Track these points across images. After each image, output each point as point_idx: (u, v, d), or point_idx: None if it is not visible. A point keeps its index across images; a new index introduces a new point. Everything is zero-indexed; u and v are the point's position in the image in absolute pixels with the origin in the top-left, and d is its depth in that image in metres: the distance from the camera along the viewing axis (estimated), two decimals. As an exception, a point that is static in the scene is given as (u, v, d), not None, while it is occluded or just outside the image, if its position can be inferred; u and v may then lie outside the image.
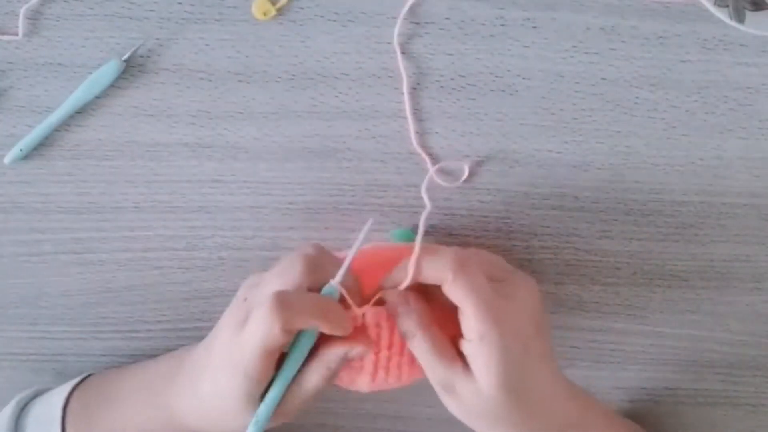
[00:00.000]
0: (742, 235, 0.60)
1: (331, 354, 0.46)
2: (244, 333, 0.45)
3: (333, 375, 0.47)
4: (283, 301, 0.44)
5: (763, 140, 0.58)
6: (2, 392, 0.62)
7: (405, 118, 0.58)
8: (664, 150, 0.58)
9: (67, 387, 0.57)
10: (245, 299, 0.48)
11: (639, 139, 0.58)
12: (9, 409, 0.56)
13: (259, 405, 0.46)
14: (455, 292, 0.46)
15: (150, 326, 0.63)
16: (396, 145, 0.58)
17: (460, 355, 0.47)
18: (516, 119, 0.57)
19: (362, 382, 0.50)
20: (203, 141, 0.58)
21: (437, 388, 0.48)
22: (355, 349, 0.46)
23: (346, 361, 0.47)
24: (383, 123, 0.58)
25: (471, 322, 0.46)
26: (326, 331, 0.45)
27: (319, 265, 0.47)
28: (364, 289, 0.49)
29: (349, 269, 0.48)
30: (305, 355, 0.46)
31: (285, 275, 0.46)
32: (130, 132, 0.58)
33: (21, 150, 0.58)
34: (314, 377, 0.46)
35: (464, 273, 0.46)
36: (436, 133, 0.58)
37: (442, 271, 0.46)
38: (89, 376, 0.59)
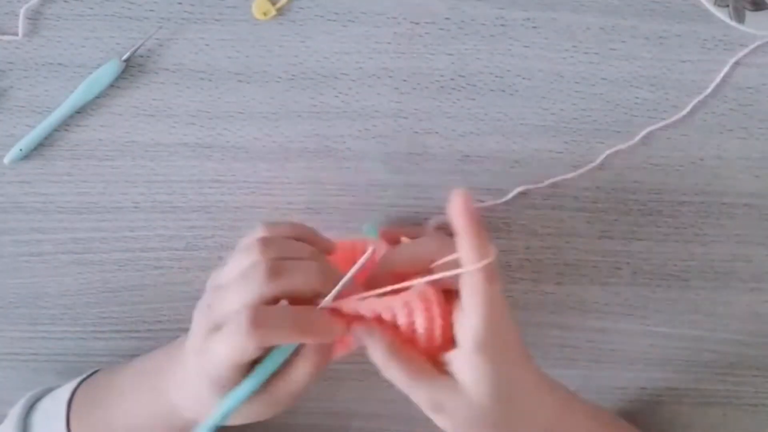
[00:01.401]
0: (742, 235, 0.60)
1: (319, 354, 0.45)
2: (215, 344, 0.43)
3: (321, 370, 0.46)
4: (257, 319, 0.42)
5: (763, 140, 0.58)
6: (2, 392, 0.62)
7: (405, 118, 0.58)
8: (663, 150, 0.58)
9: (74, 382, 0.57)
10: (209, 306, 0.46)
11: (639, 139, 0.58)
12: (19, 406, 0.57)
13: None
14: (475, 296, 0.43)
15: (150, 326, 0.63)
16: (396, 145, 0.58)
17: (437, 368, 0.45)
18: (516, 119, 0.57)
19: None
20: (203, 141, 0.58)
21: (425, 410, 0.46)
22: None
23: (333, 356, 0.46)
24: (383, 123, 0.58)
25: (473, 332, 0.43)
26: (310, 342, 0.45)
27: (282, 267, 0.44)
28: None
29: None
30: (278, 364, 0.45)
31: (248, 282, 0.44)
32: (130, 132, 0.58)
33: (21, 150, 0.58)
34: (301, 372, 0.45)
35: (494, 281, 0.43)
36: (436, 133, 0.58)
37: (477, 275, 0.43)
38: (96, 371, 0.59)
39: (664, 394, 0.64)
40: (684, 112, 0.57)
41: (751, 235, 0.60)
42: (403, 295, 0.46)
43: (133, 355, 0.63)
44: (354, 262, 0.47)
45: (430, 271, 0.46)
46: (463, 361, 0.44)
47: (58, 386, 0.59)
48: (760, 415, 0.64)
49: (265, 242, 0.45)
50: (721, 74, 0.56)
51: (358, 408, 0.65)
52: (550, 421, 0.50)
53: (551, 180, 0.58)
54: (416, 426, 0.65)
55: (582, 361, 0.63)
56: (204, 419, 0.47)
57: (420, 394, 0.45)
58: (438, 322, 0.45)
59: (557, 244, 0.60)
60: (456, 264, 0.44)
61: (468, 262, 0.43)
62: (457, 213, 0.43)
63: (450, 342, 0.45)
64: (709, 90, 0.57)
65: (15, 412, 0.56)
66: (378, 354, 0.45)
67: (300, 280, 0.44)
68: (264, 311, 0.43)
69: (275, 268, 0.44)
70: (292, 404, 0.47)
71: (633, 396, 0.64)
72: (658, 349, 0.63)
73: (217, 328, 0.44)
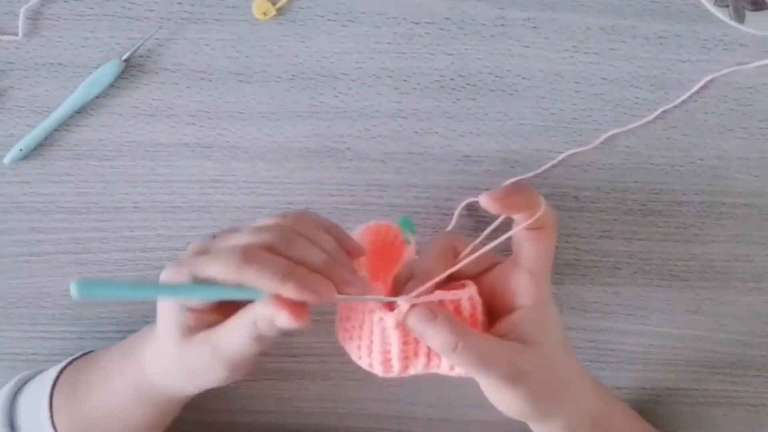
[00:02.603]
0: (742, 235, 0.60)
1: (262, 319, 0.42)
2: (198, 265, 0.42)
3: (260, 338, 0.43)
4: (251, 253, 0.41)
5: (763, 140, 0.58)
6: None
7: (405, 118, 0.58)
8: (664, 150, 0.58)
9: (60, 365, 0.57)
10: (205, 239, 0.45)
11: (639, 139, 0.58)
12: (7, 388, 0.57)
13: (196, 335, 0.45)
14: (534, 248, 0.46)
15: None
16: (396, 145, 0.58)
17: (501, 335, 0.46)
18: (516, 119, 0.57)
19: (417, 366, 0.47)
20: (203, 141, 0.58)
21: (499, 386, 0.45)
22: (288, 318, 0.41)
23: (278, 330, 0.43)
24: (383, 123, 0.58)
25: (537, 285, 0.46)
26: (292, 296, 0.41)
27: (296, 238, 0.43)
28: (369, 268, 0.48)
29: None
30: (236, 298, 0.42)
31: (258, 232, 0.43)
32: (130, 132, 0.58)
33: (21, 150, 0.58)
34: (237, 338, 0.43)
35: (553, 233, 0.47)
36: (436, 133, 0.58)
37: (548, 226, 0.46)
38: (84, 354, 0.59)
39: (664, 394, 0.64)
40: (681, 113, 0.57)
41: (751, 235, 0.60)
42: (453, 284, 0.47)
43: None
44: (383, 247, 0.48)
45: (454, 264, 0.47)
46: (533, 315, 0.46)
47: (39, 370, 0.59)
48: (760, 415, 0.64)
49: (291, 217, 0.45)
50: (721, 74, 0.56)
51: (357, 408, 0.65)
52: (597, 407, 0.52)
53: (551, 180, 0.58)
54: (416, 426, 0.65)
55: (582, 361, 0.63)
56: (172, 385, 0.48)
57: (499, 364, 0.44)
58: (481, 304, 0.47)
59: (557, 244, 0.60)
60: (479, 248, 0.46)
61: (522, 218, 0.45)
62: (494, 206, 0.44)
63: (480, 324, 0.47)
64: (709, 90, 0.57)
65: (3, 394, 0.57)
66: (446, 334, 0.43)
67: (311, 251, 0.43)
68: (261, 251, 0.41)
69: (289, 234, 0.43)
70: (227, 372, 0.46)
71: (633, 396, 0.64)
72: (658, 349, 0.63)
73: (206, 252, 0.43)
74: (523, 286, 0.46)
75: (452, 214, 0.59)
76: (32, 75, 0.57)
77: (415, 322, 0.44)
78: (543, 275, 0.46)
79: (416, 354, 0.46)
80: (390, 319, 0.44)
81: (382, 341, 0.45)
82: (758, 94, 0.57)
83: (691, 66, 0.56)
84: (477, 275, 0.48)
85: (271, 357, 0.63)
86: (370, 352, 0.46)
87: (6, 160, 0.58)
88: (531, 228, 0.46)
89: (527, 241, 0.46)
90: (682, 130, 0.58)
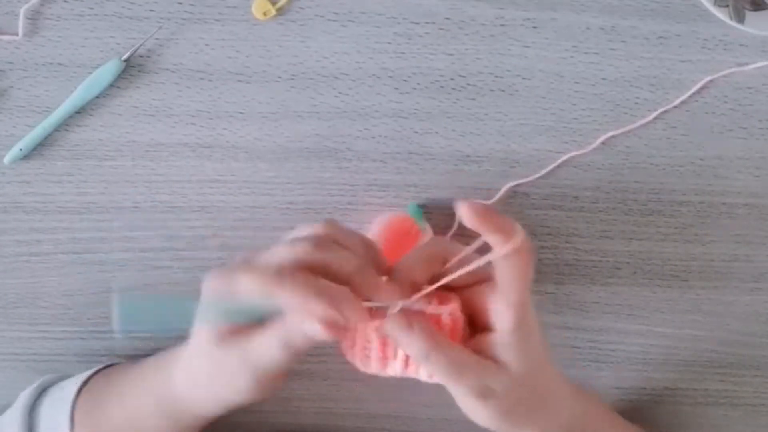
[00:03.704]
0: (742, 235, 0.60)
1: (294, 329, 0.43)
2: (234, 278, 0.44)
3: (290, 347, 0.44)
4: (288, 270, 0.42)
5: (763, 140, 0.58)
6: (2, 392, 0.62)
7: (405, 118, 0.58)
8: (664, 150, 0.58)
9: (85, 374, 0.57)
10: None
11: (639, 139, 0.58)
12: (29, 390, 0.57)
13: (228, 341, 0.45)
14: (510, 275, 0.44)
15: (150, 326, 0.63)
16: (396, 145, 0.58)
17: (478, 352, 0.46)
18: (516, 119, 0.57)
19: (394, 369, 0.48)
20: (203, 141, 0.58)
21: (471, 399, 0.46)
22: (320, 329, 0.42)
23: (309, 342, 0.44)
24: (383, 123, 0.58)
25: (513, 311, 0.44)
26: (324, 312, 0.42)
27: (329, 244, 0.45)
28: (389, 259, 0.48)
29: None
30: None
31: (291, 247, 0.44)
32: (130, 132, 0.58)
33: (21, 150, 0.58)
34: (268, 348, 0.44)
35: (530, 262, 0.45)
36: (436, 133, 0.58)
37: (517, 257, 0.44)
38: (109, 366, 0.59)
39: (664, 394, 0.64)
40: (681, 113, 0.57)
41: (751, 235, 0.60)
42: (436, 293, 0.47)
43: (132, 356, 0.63)
44: (400, 238, 0.48)
45: (445, 272, 0.46)
46: (507, 340, 0.45)
47: (70, 375, 0.59)
48: (760, 415, 0.64)
49: (322, 227, 0.46)
50: (721, 74, 0.56)
51: (357, 408, 0.65)
52: (573, 410, 0.52)
53: (551, 180, 0.58)
54: (416, 426, 0.65)
55: (582, 361, 0.63)
56: (197, 399, 0.48)
57: (468, 379, 0.45)
58: (462, 319, 0.46)
59: (557, 244, 0.60)
60: (471, 260, 0.45)
61: (499, 247, 0.44)
62: (470, 218, 0.43)
63: (460, 338, 0.46)
64: (709, 90, 0.57)
65: (22, 400, 0.56)
66: (420, 343, 0.44)
67: (341, 259, 0.44)
68: (299, 269, 0.43)
69: (322, 242, 0.44)
70: (264, 387, 0.46)
71: (633, 396, 0.64)
72: (658, 349, 0.63)
73: (249, 263, 0.44)
74: (501, 310, 0.45)
75: (452, 215, 0.59)
76: (32, 75, 0.57)
77: (392, 329, 0.45)
78: (520, 302, 0.45)
79: (395, 356, 0.47)
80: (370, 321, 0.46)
81: (364, 338, 0.47)
82: (758, 95, 0.57)
83: (691, 66, 0.56)
84: (463, 287, 0.48)
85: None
86: (353, 345, 0.47)
87: (6, 160, 0.58)
88: (508, 255, 0.44)
89: (504, 268, 0.44)
90: (682, 130, 0.58)
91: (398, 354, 0.47)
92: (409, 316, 0.45)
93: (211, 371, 0.47)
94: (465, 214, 0.43)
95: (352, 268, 0.44)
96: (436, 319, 0.46)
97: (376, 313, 0.45)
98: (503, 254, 0.43)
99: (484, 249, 0.44)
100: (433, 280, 0.46)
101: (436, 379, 0.46)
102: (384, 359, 0.47)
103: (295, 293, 0.42)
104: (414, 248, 0.49)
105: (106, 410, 0.54)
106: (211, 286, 0.45)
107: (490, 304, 0.46)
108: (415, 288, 0.46)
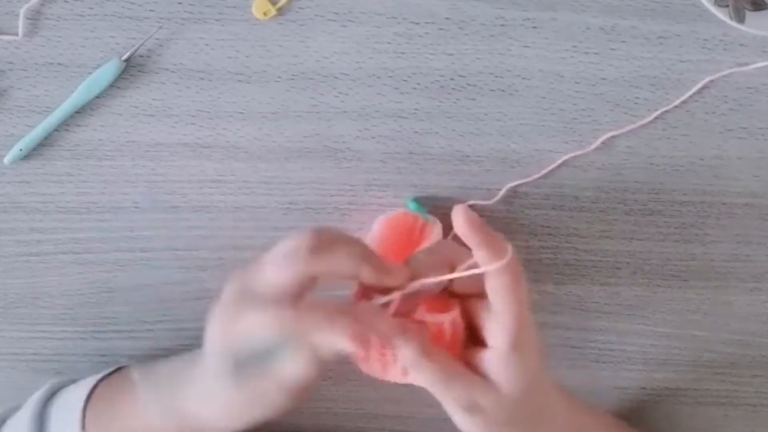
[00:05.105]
0: (742, 235, 0.60)
1: (321, 346, 0.43)
2: (245, 312, 0.44)
3: (322, 366, 0.44)
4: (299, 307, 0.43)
5: (763, 140, 0.58)
6: (2, 392, 0.62)
7: (405, 118, 0.58)
8: (664, 150, 0.58)
9: (97, 376, 0.57)
10: (242, 277, 0.46)
11: (639, 140, 0.58)
12: (40, 392, 0.56)
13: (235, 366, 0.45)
14: (506, 296, 0.44)
15: (150, 326, 0.63)
16: (396, 145, 0.58)
17: (470, 367, 0.46)
18: (516, 119, 0.57)
19: (394, 374, 0.47)
20: (203, 141, 0.58)
21: (457, 411, 0.46)
22: (350, 344, 0.42)
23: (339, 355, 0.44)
24: (383, 123, 0.58)
25: (508, 331, 0.44)
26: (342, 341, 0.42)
27: (325, 246, 0.44)
28: (399, 257, 0.48)
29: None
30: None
31: (288, 257, 0.43)
32: (130, 132, 0.58)
33: (21, 150, 0.58)
34: (296, 367, 0.44)
35: (520, 279, 0.44)
36: (436, 133, 0.58)
37: (503, 275, 0.44)
38: (120, 369, 0.59)
39: (664, 394, 0.64)
40: (681, 113, 0.57)
41: (751, 235, 0.60)
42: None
43: (132, 356, 0.63)
44: (408, 235, 0.48)
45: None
46: (498, 360, 0.45)
47: (79, 378, 0.58)
48: (760, 415, 0.64)
49: (314, 234, 0.45)
50: (721, 74, 0.56)
51: (357, 408, 0.65)
52: (570, 425, 0.51)
53: (551, 180, 0.58)
54: (416, 426, 0.65)
55: (582, 361, 0.63)
56: (219, 419, 0.47)
57: (455, 392, 0.45)
58: (462, 327, 0.46)
59: (557, 244, 0.60)
60: (476, 267, 0.44)
61: (486, 265, 0.43)
62: (462, 226, 0.44)
63: (460, 347, 0.46)
64: (709, 90, 0.57)
65: (33, 402, 0.56)
66: (411, 352, 0.44)
67: (342, 260, 0.44)
68: (309, 300, 0.43)
69: (318, 245, 0.44)
70: (288, 401, 0.46)
71: (633, 396, 0.64)
72: (658, 349, 0.63)
73: (251, 295, 0.43)
74: (495, 329, 0.45)
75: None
76: (32, 75, 0.57)
77: (385, 333, 0.44)
78: (516, 324, 0.44)
79: (395, 361, 0.46)
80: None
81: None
82: (758, 95, 0.57)
83: (691, 66, 0.56)
84: (467, 296, 0.47)
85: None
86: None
87: (6, 160, 0.58)
88: (498, 273, 0.44)
89: (494, 289, 0.44)
90: (682, 130, 0.58)
91: (398, 360, 0.46)
92: (407, 323, 0.45)
93: (236, 394, 0.46)
94: (458, 219, 0.44)
95: (357, 261, 0.44)
96: (438, 328, 0.46)
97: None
98: (491, 271, 0.43)
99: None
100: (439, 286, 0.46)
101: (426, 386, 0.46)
102: (384, 364, 0.47)
103: (319, 324, 0.42)
104: (424, 247, 0.49)
105: (117, 421, 0.53)
106: (216, 331, 0.44)
107: (485, 320, 0.46)
108: (421, 295, 0.46)
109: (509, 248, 0.44)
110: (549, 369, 0.49)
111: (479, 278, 0.45)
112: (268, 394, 0.45)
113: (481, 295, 0.46)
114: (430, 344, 0.45)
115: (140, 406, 0.53)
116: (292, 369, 0.44)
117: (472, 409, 0.45)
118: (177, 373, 0.51)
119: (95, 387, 0.56)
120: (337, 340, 0.42)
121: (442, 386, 0.44)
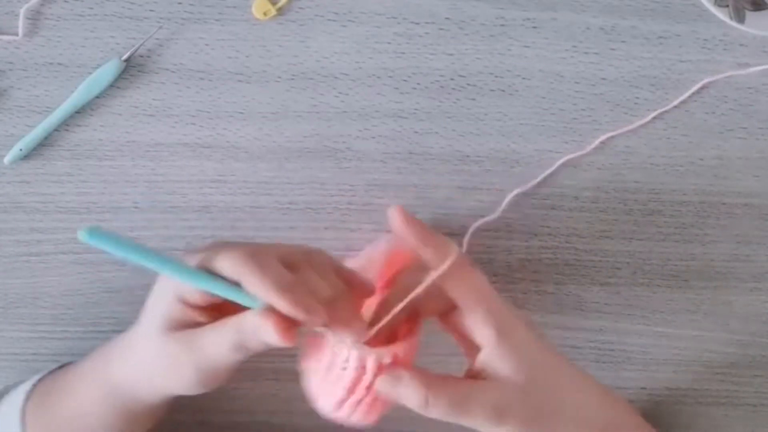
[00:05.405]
0: (742, 235, 0.60)
1: (249, 332, 0.42)
2: (193, 260, 0.43)
3: (240, 348, 0.43)
4: (253, 254, 0.41)
5: (763, 140, 0.58)
6: (2, 392, 0.62)
7: (405, 118, 0.58)
8: (664, 150, 0.58)
9: (37, 375, 0.57)
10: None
11: (639, 140, 0.58)
12: None
13: (177, 331, 0.44)
14: (466, 292, 0.44)
15: (150, 326, 0.63)
16: (396, 145, 0.58)
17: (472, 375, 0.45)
18: (516, 119, 0.57)
19: (324, 404, 0.47)
20: (203, 141, 0.58)
21: (487, 426, 0.45)
22: (276, 336, 0.41)
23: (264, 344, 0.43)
24: (383, 123, 0.58)
25: (485, 322, 0.44)
26: (286, 310, 0.41)
27: (297, 262, 0.44)
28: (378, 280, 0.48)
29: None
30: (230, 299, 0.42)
31: (258, 248, 0.43)
32: (130, 132, 0.58)
33: (21, 150, 0.58)
34: (219, 345, 0.43)
35: (471, 272, 0.44)
36: (436, 133, 0.58)
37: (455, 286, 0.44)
38: (54, 370, 0.58)
39: (664, 394, 0.64)
40: (681, 113, 0.57)
41: (751, 235, 0.60)
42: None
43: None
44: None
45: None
46: (492, 353, 0.45)
47: (19, 382, 0.58)
48: (760, 415, 0.64)
49: (303, 252, 0.45)
50: (722, 74, 0.56)
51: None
52: (605, 415, 0.49)
53: (551, 180, 0.58)
54: (416, 426, 0.65)
55: (582, 361, 0.63)
56: (137, 385, 0.47)
57: (477, 407, 0.44)
58: (406, 349, 0.46)
59: (557, 244, 0.60)
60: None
61: (437, 264, 0.44)
62: (400, 227, 0.44)
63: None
64: (709, 90, 0.57)
65: None
66: (417, 394, 0.44)
67: (318, 284, 0.43)
68: (273, 260, 0.42)
69: (304, 263, 0.44)
70: (197, 381, 0.45)
71: (633, 396, 0.64)
72: (658, 349, 0.63)
73: (221, 247, 0.43)
74: (474, 327, 0.45)
75: (452, 215, 0.59)
76: (32, 75, 0.57)
77: (385, 388, 0.45)
78: (490, 313, 0.44)
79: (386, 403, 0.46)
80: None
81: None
82: (758, 95, 0.57)
83: (691, 66, 0.56)
84: (443, 313, 0.47)
85: (270, 357, 0.63)
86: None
87: (6, 160, 0.58)
88: (451, 274, 0.44)
89: (454, 289, 0.44)
90: (682, 130, 0.58)
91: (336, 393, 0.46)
92: (393, 366, 0.44)
93: (154, 357, 0.46)
94: (396, 221, 0.44)
95: (326, 296, 0.43)
96: (394, 359, 0.45)
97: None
98: (444, 273, 0.43)
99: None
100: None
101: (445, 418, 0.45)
102: (374, 406, 0.46)
103: (263, 281, 0.41)
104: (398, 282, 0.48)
105: (56, 406, 0.53)
106: (184, 257, 0.44)
107: (465, 324, 0.46)
108: (398, 323, 0.46)
109: (453, 244, 0.44)
110: (561, 357, 0.48)
111: (443, 298, 0.45)
112: (182, 366, 0.45)
113: (453, 306, 0.46)
114: (430, 376, 0.44)
115: (76, 390, 0.53)
116: (211, 348, 0.44)
117: (498, 415, 0.44)
118: (112, 344, 0.51)
119: (35, 385, 0.56)
120: (264, 329, 0.41)
121: (462, 409, 0.44)
